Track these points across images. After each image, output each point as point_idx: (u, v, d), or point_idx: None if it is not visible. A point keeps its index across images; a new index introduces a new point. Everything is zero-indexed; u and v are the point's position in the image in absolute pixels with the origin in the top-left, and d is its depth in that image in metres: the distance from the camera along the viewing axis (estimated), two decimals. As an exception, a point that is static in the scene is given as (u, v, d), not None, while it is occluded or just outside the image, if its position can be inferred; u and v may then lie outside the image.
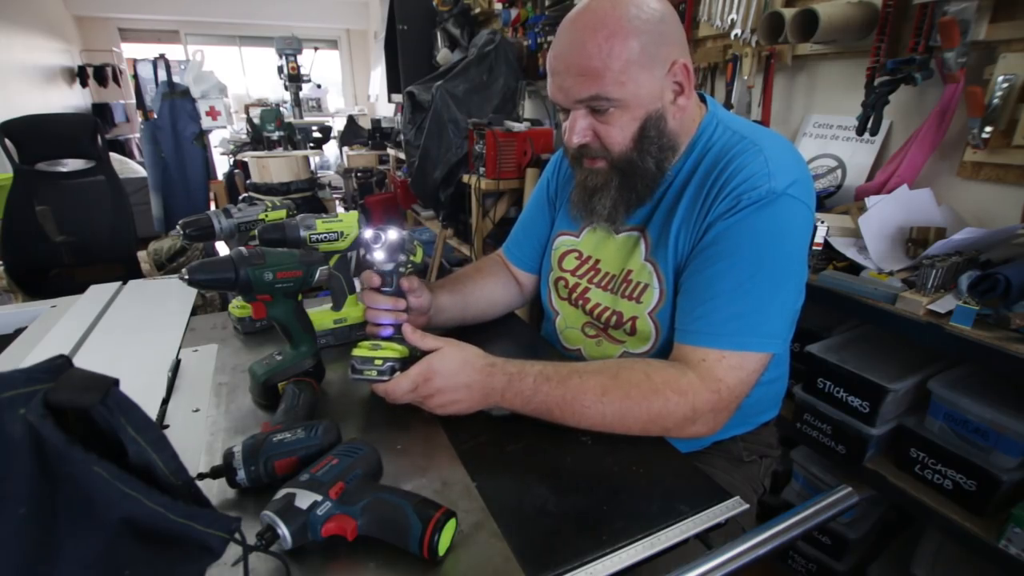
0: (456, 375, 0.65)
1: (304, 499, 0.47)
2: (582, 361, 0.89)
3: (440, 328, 0.88)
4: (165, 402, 0.72)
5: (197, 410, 0.71)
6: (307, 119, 3.90)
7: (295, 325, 0.73)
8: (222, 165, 4.24)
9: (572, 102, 0.71)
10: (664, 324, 0.77)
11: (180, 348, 0.88)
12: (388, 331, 0.72)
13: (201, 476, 0.54)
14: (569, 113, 0.74)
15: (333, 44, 7.09)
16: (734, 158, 0.71)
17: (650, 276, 0.78)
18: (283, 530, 0.46)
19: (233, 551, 0.41)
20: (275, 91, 5.29)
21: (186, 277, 0.63)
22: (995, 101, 1.04)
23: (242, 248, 0.67)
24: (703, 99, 0.81)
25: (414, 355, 0.70)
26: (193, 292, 1.10)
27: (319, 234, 0.84)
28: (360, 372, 0.68)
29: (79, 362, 0.36)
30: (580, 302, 0.87)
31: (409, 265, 0.75)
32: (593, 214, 0.79)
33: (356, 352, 0.69)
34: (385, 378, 0.67)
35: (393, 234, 0.71)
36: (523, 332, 0.99)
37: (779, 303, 0.68)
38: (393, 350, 0.69)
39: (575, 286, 0.88)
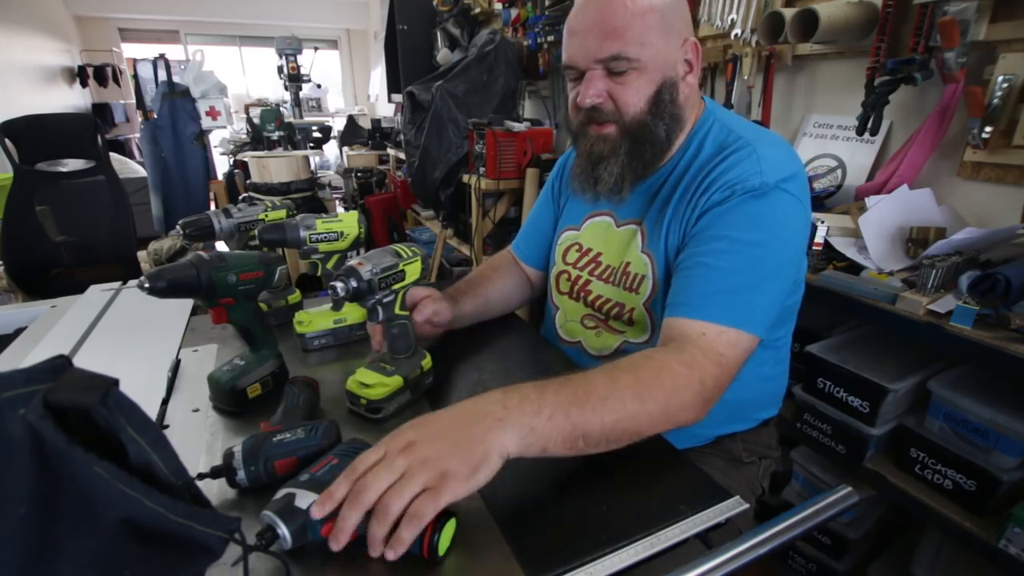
0: (429, 419, 0.52)
1: (304, 499, 0.47)
2: (581, 355, 0.89)
3: (459, 328, 0.91)
4: (165, 402, 0.72)
5: (197, 410, 0.71)
6: (307, 119, 3.90)
7: (257, 328, 0.73)
8: (222, 165, 4.23)
9: (592, 61, 0.72)
10: (656, 313, 0.78)
11: (180, 348, 0.88)
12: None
13: (201, 476, 0.54)
14: (580, 80, 0.75)
15: (333, 44, 7.09)
16: (727, 156, 0.72)
17: (646, 267, 0.79)
18: (283, 530, 0.45)
19: (233, 551, 0.41)
20: (275, 91, 5.28)
21: (146, 285, 0.59)
22: (995, 101, 1.04)
23: (201, 252, 0.66)
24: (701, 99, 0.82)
25: (410, 382, 0.71)
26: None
27: (319, 234, 0.84)
28: (355, 404, 0.70)
29: (79, 362, 0.36)
30: (582, 294, 0.88)
31: (391, 295, 0.70)
32: (598, 183, 0.79)
33: (350, 386, 0.70)
34: (375, 416, 0.69)
35: (354, 282, 0.64)
36: (522, 331, 0.98)
37: (769, 290, 0.69)
38: (384, 385, 0.68)
39: (576, 279, 0.89)
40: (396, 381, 0.70)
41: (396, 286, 0.69)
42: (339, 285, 0.63)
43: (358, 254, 0.77)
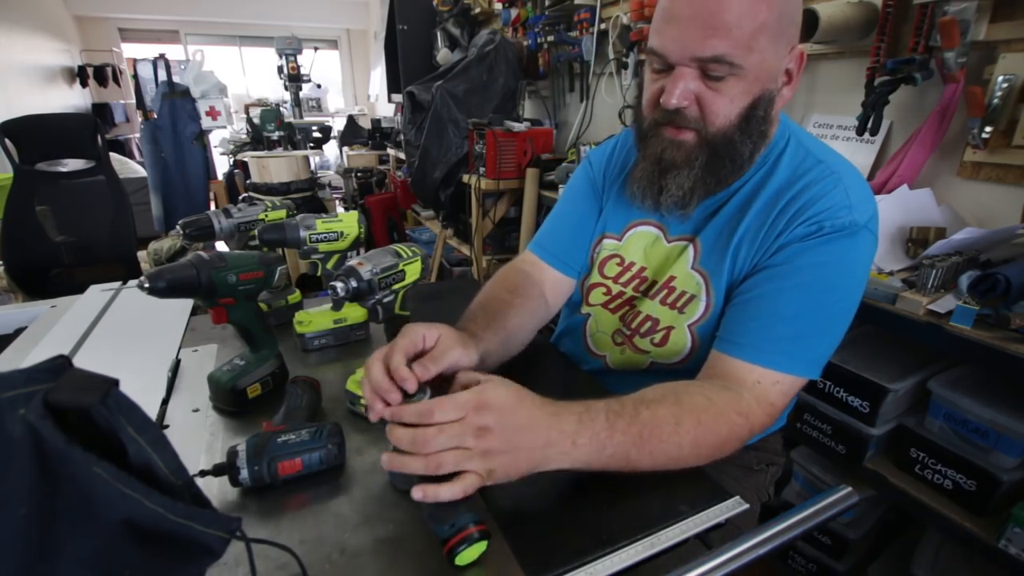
0: (514, 411, 0.50)
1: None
2: (603, 370, 0.85)
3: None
4: (165, 402, 0.72)
5: (197, 410, 0.71)
6: (307, 119, 3.90)
7: (257, 328, 0.73)
8: (222, 165, 4.24)
9: (687, 58, 0.62)
10: (704, 337, 0.72)
11: (180, 348, 0.88)
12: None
13: (204, 473, 0.54)
14: (666, 72, 0.65)
15: (333, 44, 7.09)
16: (812, 183, 0.67)
17: (698, 287, 0.73)
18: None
19: (234, 550, 0.41)
20: (275, 91, 5.28)
21: (146, 285, 0.60)
22: (995, 101, 1.03)
23: (201, 252, 0.66)
24: None
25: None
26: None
27: (319, 234, 0.84)
28: (354, 404, 0.69)
29: (79, 362, 0.36)
30: (624, 308, 0.82)
31: (391, 296, 0.69)
32: (662, 193, 0.71)
33: (350, 386, 0.70)
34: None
35: (353, 282, 0.63)
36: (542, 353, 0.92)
37: (834, 333, 0.66)
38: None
39: (619, 294, 0.82)
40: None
41: (396, 286, 0.69)
42: (339, 285, 0.63)
43: (358, 254, 0.77)
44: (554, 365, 0.88)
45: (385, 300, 0.69)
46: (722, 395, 0.61)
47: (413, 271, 0.71)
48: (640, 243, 0.81)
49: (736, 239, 0.70)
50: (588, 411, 0.53)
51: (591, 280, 0.86)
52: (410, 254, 0.71)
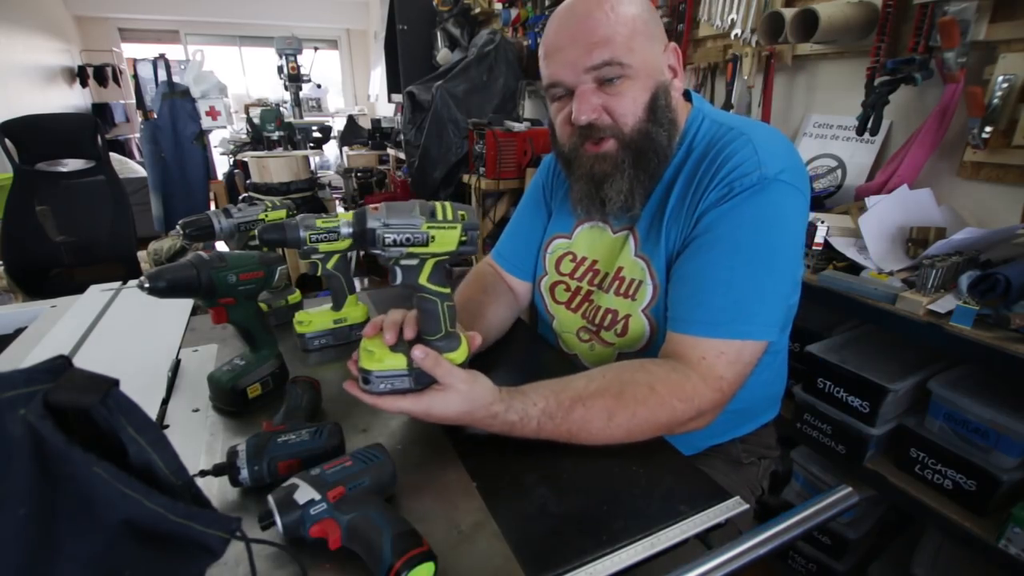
0: (458, 419, 0.59)
1: (304, 494, 0.48)
2: (583, 372, 0.86)
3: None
4: (165, 402, 0.72)
5: (197, 410, 0.71)
6: (307, 119, 3.89)
7: (257, 328, 0.73)
8: (222, 165, 4.23)
9: (580, 73, 0.69)
10: (659, 320, 0.75)
11: (180, 348, 0.88)
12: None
13: (204, 473, 0.54)
14: (567, 98, 0.72)
15: (333, 44, 7.09)
16: (723, 148, 0.70)
17: (643, 272, 0.76)
18: (278, 519, 0.47)
19: (234, 550, 0.41)
20: (275, 91, 5.28)
21: (146, 285, 0.59)
22: (995, 101, 1.04)
23: (201, 252, 0.66)
24: (688, 97, 0.80)
25: (414, 370, 0.60)
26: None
27: (319, 234, 0.84)
28: (372, 384, 0.59)
29: (79, 362, 0.36)
30: (584, 305, 0.85)
31: (414, 260, 0.59)
32: (606, 204, 0.75)
33: (369, 365, 0.59)
34: (405, 386, 0.60)
35: (351, 228, 0.57)
36: (522, 335, 0.98)
37: (775, 291, 0.68)
38: (397, 358, 0.59)
39: (577, 290, 0.86)
40: (397, 361, 0.59)
41: (415, 250, 0.57)
42: (344, 224, 0.60)
43: (358, 255, 0.76)
44: (535, 345, 0.90)
45: (404, 263, 0.58)
46: (668, 380, 0.64)
47: (446, 239, 0.57)
48: (588, 238, 0.86)
49: (666, 219, 0.74)
50: (522, 420, 0.60)
51: (551, 279, 0.90)
52: (449, 216, 0.57)
